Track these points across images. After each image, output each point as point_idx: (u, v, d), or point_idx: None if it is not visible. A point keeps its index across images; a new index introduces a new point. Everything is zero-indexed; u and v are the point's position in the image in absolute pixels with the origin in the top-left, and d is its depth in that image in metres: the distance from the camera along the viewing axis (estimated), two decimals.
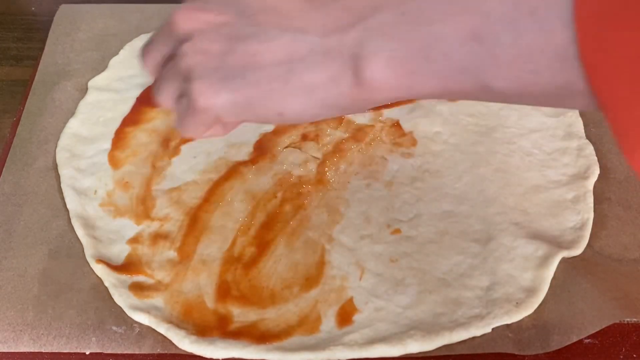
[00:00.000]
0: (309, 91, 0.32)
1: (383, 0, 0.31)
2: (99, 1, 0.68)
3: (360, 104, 0.33)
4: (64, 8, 0.67)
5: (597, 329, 0.41)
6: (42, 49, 0.64)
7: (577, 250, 0.46)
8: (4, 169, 0.53)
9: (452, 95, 0.32)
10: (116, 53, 0.62)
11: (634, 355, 0.42)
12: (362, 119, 0.56)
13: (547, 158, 0.52)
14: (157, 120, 0.56)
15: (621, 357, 0.42)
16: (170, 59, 0.37)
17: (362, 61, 0.31)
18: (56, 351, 0.43)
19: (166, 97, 0.38)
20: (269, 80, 0.33)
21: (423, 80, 0.30)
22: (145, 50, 0.39)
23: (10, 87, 0.62)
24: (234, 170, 0.52)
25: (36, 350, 0.43)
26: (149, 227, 0.49)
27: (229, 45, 0.34)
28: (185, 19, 0.36)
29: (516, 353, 0.42)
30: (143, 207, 0.51)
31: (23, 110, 0.58)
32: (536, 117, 0.55)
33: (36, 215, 0.50)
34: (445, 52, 0.29)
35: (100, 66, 0.61)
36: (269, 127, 0.55)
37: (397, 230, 0.48)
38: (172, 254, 0.48)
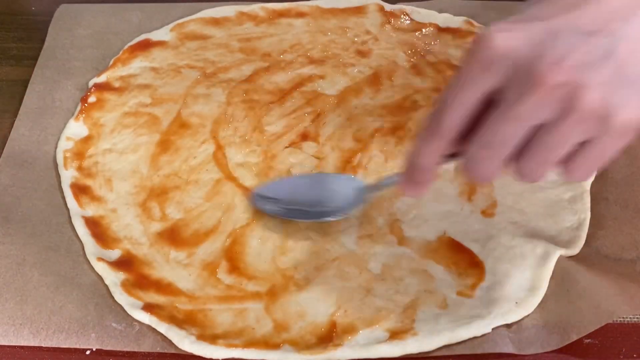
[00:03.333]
0: None
1: None
2: (99, 2, 0.68)
3: None
4: (64, 6, 0.67)
5: (596, 327, 0.41)
6: (42, 49, 0.64)
7: (575, 250, 0.46)
8: (0, 161, 0.54)
9: None
10: (117, 52, 0.62)
11: (634, 355, 0.42)
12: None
13: None
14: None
15: (621, 357, 0.42)
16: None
17: None
18: (55, 346, 0.43)
19: (554, 160, 0.34)
20: None
21: None
22: (476, 155, 0.35)
23: (10, 87, 0.62)
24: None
25: (36, 345, 0.43)
26: (151, 226, 0.49)
27: (609, 60, 0.32)
28: (559, 76, 0.32)
29: (516, 353, 0.42)
30: (145, 208, 0.51)
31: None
32: None
33: (35, 210, 0.50)
34: None
35: (101, 65, 0.61)
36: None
37: (398, 230, 0.48)
38: (174, 253, 0.48)
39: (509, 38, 0.33)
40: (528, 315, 0.43)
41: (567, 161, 0.35)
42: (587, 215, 0.48)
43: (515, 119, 0.33)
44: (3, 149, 0.55)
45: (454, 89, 0.35)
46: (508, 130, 0.34)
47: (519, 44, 0.32)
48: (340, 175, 0.51)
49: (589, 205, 0.49)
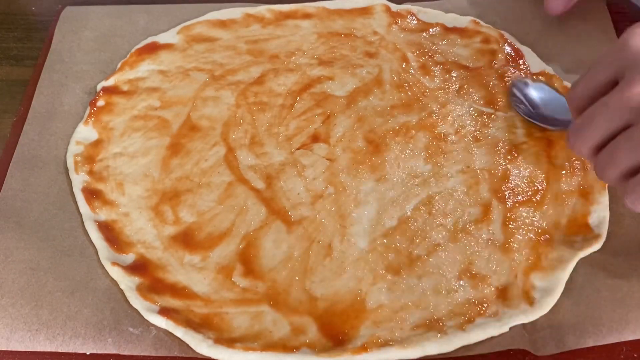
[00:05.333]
0: None
1: None
2: (100, 3, 0.68)
3: None
4: (69, 8, 0.66)
5: (617, 341, 0.42)
6: (42, 49, 0.64)
7: (594, 249, 0.46)
8: (10, 165, 0.53)
9: None
10: (124, 55, 0.62)
11: (635, 355, 0.42)
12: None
13: None
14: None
15: (621, 357, 0.42)
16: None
17: None
18: (72, 351, 0.43)
19: (619, 167, 0.37)
20: None
21: None
22: (581, 131, 0.40)
23: (10, 87, 0.62)
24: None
25: (53, 350, 0.43)
26: (164, 230, 0.49)
27: None
28: None
29: (533, 352, 0.42)
30: (157, 211, 0.51)
31: (25, 109, 0.58)
32: None
33: (47, 214, 0.50)
34: None
35: (108, 68, 0.61)
36: None
37: (412, 232, 0.49)
38: (188, 256, 0.48)
39: None
40: (544, 315, 0.43)
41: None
42: (607, 214, 0.48)
43: (605, 104, 0.37)
44: (3, 149, 0.55)
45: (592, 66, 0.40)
46: (599, 112, 0.38)
47: None
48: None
49: (607, 203, 0.49)
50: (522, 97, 0.55)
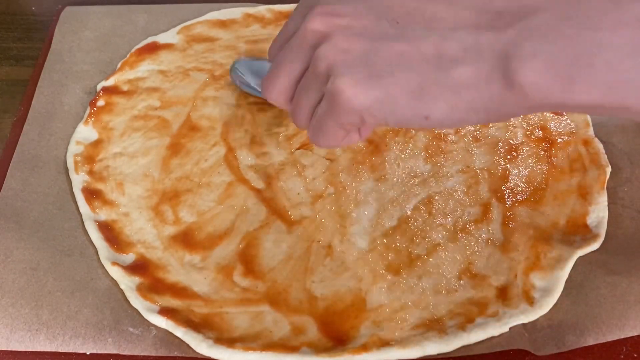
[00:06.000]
0: (458, 91, 0.31)
1: (544, 2, 0.30)
2: (100, 3, 0.68)
3: (508, 110, 0.31)
4: (69, 8, 0.66)
5: (616, 338, 0.42)
6: (42, 49, 0.64)
7: (592, 249, 0.46)
8: (10, 165, 0.53)
9: (609, 111, 0.30)
10: (124, 55, 0.62)
11: (635, 355, 0.42)
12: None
13: None
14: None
15: (622, 357, 0.42)
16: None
17: (518, 63, 0.29)
18: (72, 351, 0.43)
19: (303, 110, 0.35)
20: (419, 79, 0.31)
21: (582, 89, 0.29)
22: (269, 79, 0.37)
23: (10, 87, 0.62)
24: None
25: (53, 350, 0.43)
26: (164, 230, 0.49)
27: (372, 45, 0.32)
28: (319, 24, 0.34)
29: (533, 352, 0.42)
30: (157, 211, 0.51)
31: (25, 109, 0.58)
32: None
33: (47, 214, 0.50)
34: (610, 61, 0.28)
35: (108, 68, 0.61)
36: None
37: (412, 232, 0.49)
38: (188, 256, 0.48)
39: None
40: (544, 315, 0.43)
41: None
42: (605, 214, 0.48)
43: (286, 48, 0.36)
44: (3, 149, 0.55)
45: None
46: (282, 57, 0.37)
47: None
48: None
49: (606, 204, 0.49)
50: (240, 73, 0.58)
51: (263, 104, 0.58)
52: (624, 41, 0.28)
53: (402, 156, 0.53)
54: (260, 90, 0.48)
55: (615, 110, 0.30)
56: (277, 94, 0.38)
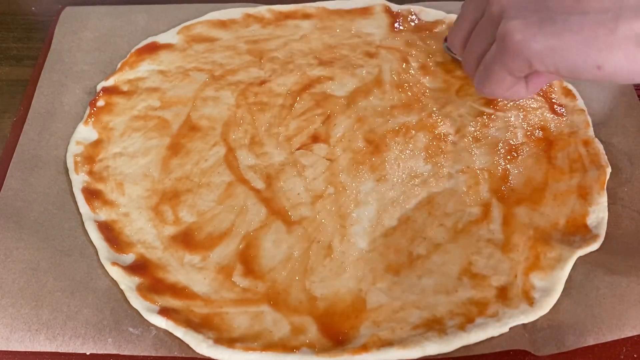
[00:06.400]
0: (638, 43, 0.29)
1: None
2: (100, 3, 0.68)
3: None
4: (69, 9, 0.66)
5: (616, 338, 0.42)
6: (42, 49, 0.64)
7: (592, 249, 0.46)
8: (10, 165, 0.53)
9: None
10: (124, 55, 0.62)
11: (635, 355, 0.42)
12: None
13: None
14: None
15: (621, 357, 0.42)
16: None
17: None
18: (72, 352, 0.43)
19: (473, 55, 0.36)
20: (594, 27, 0.30)
21: None
22: (454, 26, 0.40)
23: (10, 87, 0.62)
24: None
25: (53, 350, 0.43)
26: (164, 230, 0.49)
27: None
28: None
29: (533, 352, 0.42)
30: (157, 211, 0.51)
31: (24, 109, 0.58)
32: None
33: (47, 214, 0.50)
34: None
35: (108, 68, 0.61)
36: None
37: (412, 232, 0.49)
38: (188, 256, 0.48)
39: None
40: (543, 315, 0.43)
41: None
42: (605, 214, 0.48)
43: (488, 18, 0.37)
44: (3, 149, 0.55)
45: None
46: (465, 7, 0.40)
47: None
48: None
49: (606, 204, 0.49)
50: None
51: (263, 105, 0.58)
52: None
53: (402, 156, 0.53)
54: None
55: None
56: (457, 39, 0.40)
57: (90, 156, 0.54)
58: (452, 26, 0.42)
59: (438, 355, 0.42)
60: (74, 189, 0.52)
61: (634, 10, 0.30)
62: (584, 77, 0.32)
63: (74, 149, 0.54)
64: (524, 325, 0.43)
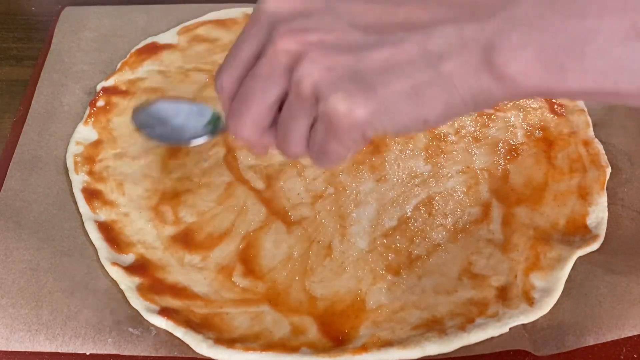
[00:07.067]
0: (450, 88, 0.30)
1: None
2: (100, 3, 0.68)
3: (497, 98, 0.30)
4: (69, 9, 0.66)
5: (616, 338, 0.42)
6: (42, 49, 0.64)
7: (591, 249, 0.46)
8: (10, 165, 0.53)
9: (603, 97, 0.29)
10: (124, 55, 0.62)
11: (635, 356, 0.42)
12: None
13: None
14: None
15: (621, 357, 0.42)
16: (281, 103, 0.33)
17: (506, 53, 0.29)
18: (72, 352, 0.43)
19: (295, 139, 0.33)
20: (412, 82, 0.30)
21: (574, 76, 0.28)
22: (237, 114, 0.34)
23: (10, 87, 0.62)
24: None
25: (53, 351, 0.43)
26: (164, 230, 0.49)
27: (354, 56, 0.30)
28: (290, 44, 0.31)
29: (533, 352, 0.42)
30: (157, 212, 0.51)
31: (24, 109, 0.58)
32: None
33: (47, 215, 0.50)
34: (602, 48, 0.27)
35: (108, 68, 0.61)
36: None
37: (412, 232, 0.49)
38: (188, 257, 0.48)
39: (281, 1, 0.33)
40: (543, 315, 0.43)
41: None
42: (605, 214, 0.48)
43: (255, 76, 0.33)
44: (3, 149, 0.55)
45: (232, 46, 0.35)
46: (251, 87, 0.33)
47: (286, 7, 0.33)
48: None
49: (605, 204, 0.49)
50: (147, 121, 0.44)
51: None
52: (612, 27, 0.27)
53: (402, 156, 0.53)
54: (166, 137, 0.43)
55: (605, 96, 0.29)
56: (251, 128, 0.34)
57: (90, 156, 0.54)
58: (232, 113, 0.35)
59: (438, 355, 0.42)
60: (74, 189, 0.52)
61: (439, 55, 0.30)
62: (413, 132, 0.32)
63: (74, 149, 0.54)
64: (524, 325, 0.43)
